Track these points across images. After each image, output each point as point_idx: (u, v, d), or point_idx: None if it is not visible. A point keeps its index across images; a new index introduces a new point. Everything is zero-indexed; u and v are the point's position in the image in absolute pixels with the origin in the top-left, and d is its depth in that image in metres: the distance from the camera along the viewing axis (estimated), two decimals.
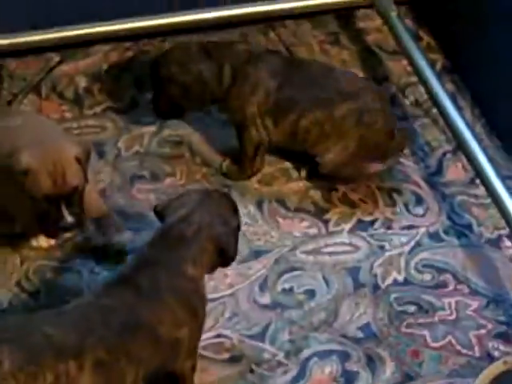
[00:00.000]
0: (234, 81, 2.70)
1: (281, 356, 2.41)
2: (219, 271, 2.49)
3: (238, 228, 2.28)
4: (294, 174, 2.82)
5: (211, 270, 2.23)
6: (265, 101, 2.70)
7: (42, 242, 2.58)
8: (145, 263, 2.13)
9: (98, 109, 2.95)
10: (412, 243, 2.66)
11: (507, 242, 2.65)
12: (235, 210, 2.30)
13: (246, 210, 2.71)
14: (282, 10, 3.11)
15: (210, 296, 2.44)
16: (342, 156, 2.70)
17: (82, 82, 3.02)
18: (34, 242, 2.57)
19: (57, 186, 2.30)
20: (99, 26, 2.99)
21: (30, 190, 2.31)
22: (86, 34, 3.00)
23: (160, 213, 2.24)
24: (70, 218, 2.33)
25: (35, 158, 2.30)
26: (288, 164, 2.84)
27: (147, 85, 2.96)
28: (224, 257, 2.20)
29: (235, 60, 2.72)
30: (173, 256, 2.14)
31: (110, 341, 2.04)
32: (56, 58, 3.07)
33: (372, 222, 2.71)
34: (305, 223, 2.70)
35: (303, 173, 2.82)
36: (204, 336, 2.33)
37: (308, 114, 2.69)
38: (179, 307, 2.12)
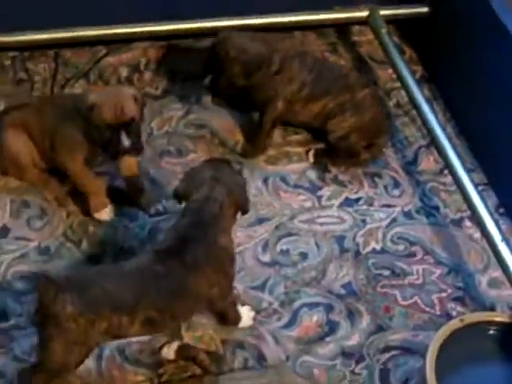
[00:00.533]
0: (279, 70, 2.72)
1: (276, 305, 2.45)
2: None
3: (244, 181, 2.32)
4: (294, 157, 2.84)
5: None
6: (299, 90, 2.75)
7: (104, 215, 2.59)
8: (186, 240, 2.15)
9: None
10: (389, 219, 2.69)
11: (467, 223, 2.69)
12: (233, 168, 2.37)
13: (254, 184, 2.74)
14: (292, 22, 3.10)
15: None
16: (352, 127, 2.75)
17: (124, 72, 3.03)
18: (96, 215, 2.59)
19: (117, 116, 2.35)
20: (139, 27, 3.00)
21: (96, 121, 2.36)
22: (128, 33, 3.01)
23: (182, 195, 2.24)
24: (127, 142, 2.36)
25: (99, 96, 2.37)
26: (290, 148, 2.87)
27: (178, 77, 3.01)
28: (242, 210, 2.25)
29: (284, 53, 2.75)
30: (208, 233, 2.16)
31: (159, 304, 2.10)
32: (103, 50, 3.08)
33: (357, 200, 2.74)
34: (302, 197, 2.73)
35: (305, 156, 2.84)
36: None
37: (336, 99, 2.76)
38: (214, 273, 2.16)
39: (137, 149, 2.41)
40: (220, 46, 2.69)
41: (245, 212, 2.26)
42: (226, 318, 2.33)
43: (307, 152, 2.83)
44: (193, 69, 2.98)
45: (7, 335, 2.32)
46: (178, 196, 2.25)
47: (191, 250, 2.12)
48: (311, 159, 2.82)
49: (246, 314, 2.38)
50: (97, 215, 2.57)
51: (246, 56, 2.67)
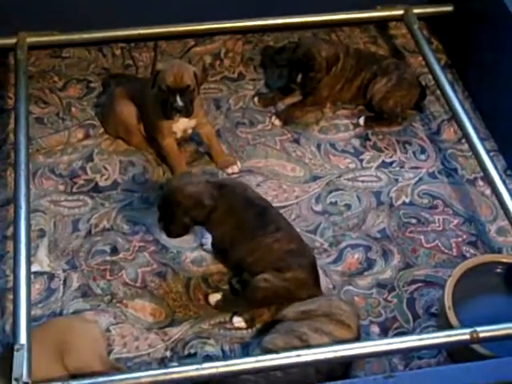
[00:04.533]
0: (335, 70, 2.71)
1: (326, 245, 2.40)
2: (290, 188, 2.48)
3: None
4: (342, 127, 2.75)
5: None
6: (346, 75, 2.74)
7: None
8: None
9: (217, 77, 2.90)
10: (416, 178, 2.61)
11: (480, 182, 2.59)
12: None
13: (310, 149, 2.67)
14: (341, 20, 2.99)
15: (282, 204, 2.47)
16: (387, 86, 2.69)
17: (208, 59, 2.95)
18: None
19: (176, 81, 2.31)
20: (220, 23, 2.91)
21: (159, 84, 2.33)
22: (211, 28, 2.92)
23: None
24: (180, 103, 2.32)
25: (165, 65, 2.36)
26: (338, 121, 2.78)
27: (252, 64, 2.94)
28: None
29: (342, 50, 2.74)
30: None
31: None
32: (192, 42, 3.00)
33: (391, 163, 2.65)
34: (347, 160, 2.65)
35: (351, 126, 2.76)
36: None
37: (368, 71, 2.73)
38: None
39: (187, 111, 2.35)
40: (312, 48, 2.63)
41: None
42: None
43: (359, 118, 2.75)
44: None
45: (118, 265, 2.32)
46: None
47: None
48: (362, 123, 2.73)
49: None
50: None
51: (330, 55, 2.64)
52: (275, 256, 2.12)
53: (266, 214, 2.17)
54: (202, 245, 2.33)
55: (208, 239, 2.28)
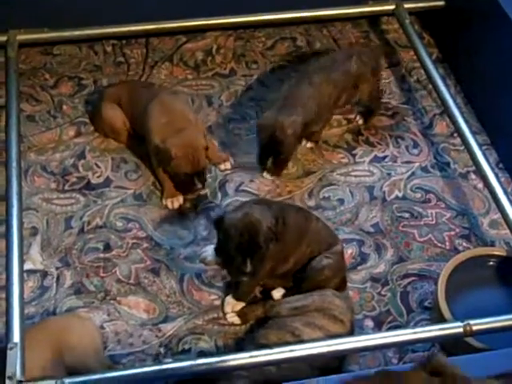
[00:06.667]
0: None
1: None
2: (283, 183, 2.49)
3: None
4: (334, 123, 2.75)
5: None
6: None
7: (170, 204, 2.45)
8: None
9: (209, 73, 2.89)
10: (409, 173, 2.61)
11: (473, 176, 2.59)
12: None
13: (303, 145, 2.65)
14: (332, 15, 2.99)
15: (275, 199, 2.45)
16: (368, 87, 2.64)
17: (200, 56, 2.95)
18: (163, 201, 2.46)
19: (193, 167, 2.33)
20: (212, 20, 2.91)
21: (175, 170, 2.34)
22: (203, 24, 2.93)
23: None
24: (199, 185, 2.36)
25: (179, 150, 2.31)
26: None
27: (243, 60, 2.94)
28: None
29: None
30: None
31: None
32: (184, 38, 3.00)
33: (384, 157, 2.66)
34: (340, 155, 2.65)
35: (343, 122, 2.76)
36: None
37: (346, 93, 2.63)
38: None
39: (203, 186, 2.40)
40: (276, 129, 2.39)
41: None
42: None
43: (355, 117, 2.73)
44: None
45: (111, 262, 2.32)
46: None
47: None
48: (360, 121, 2.72)
49: None
50: (164, 201, 2.46)
51: (298, 124, 2.42)
52: (324, 235, 2.21)
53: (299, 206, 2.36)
54: (202, 260, 2.27)
55: (208, 251, 2.24)
